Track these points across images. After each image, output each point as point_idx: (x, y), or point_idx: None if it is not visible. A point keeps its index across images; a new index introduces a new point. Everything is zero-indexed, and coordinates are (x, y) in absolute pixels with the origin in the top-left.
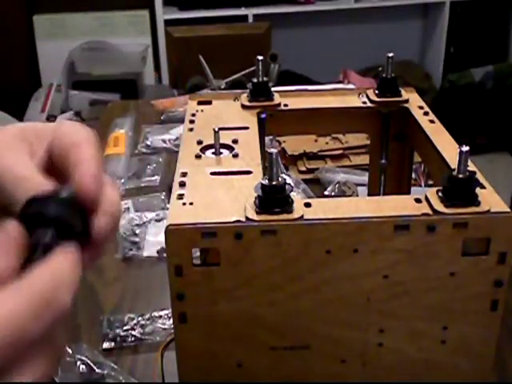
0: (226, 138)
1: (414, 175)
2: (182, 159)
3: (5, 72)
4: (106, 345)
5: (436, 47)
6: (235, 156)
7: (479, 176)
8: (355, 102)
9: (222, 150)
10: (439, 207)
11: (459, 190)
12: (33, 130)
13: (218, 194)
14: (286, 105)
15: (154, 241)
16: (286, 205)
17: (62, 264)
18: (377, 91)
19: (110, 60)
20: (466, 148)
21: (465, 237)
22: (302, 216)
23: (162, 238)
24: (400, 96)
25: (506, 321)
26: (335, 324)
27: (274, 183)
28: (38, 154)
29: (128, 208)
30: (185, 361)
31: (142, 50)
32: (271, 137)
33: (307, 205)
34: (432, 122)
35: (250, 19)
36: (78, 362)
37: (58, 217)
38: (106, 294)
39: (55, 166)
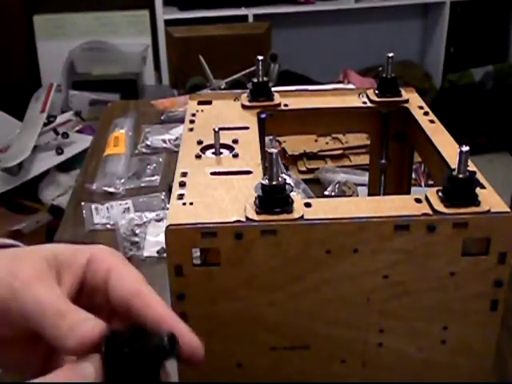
0: (226, 138)
1: (414, 175)
2: (182, 159)
3: (5, 72)
4: None
5: (436, 47)
6: (235, 156)
7: (479, 176)
8: (355, 102)
9: (222, 150)
10: (439, 207)
11: (459, 190)
12: (65, 255)
13: (218, 194)
14: (286, 105)
15: (153, 241)
16: (286, 205)
17: None
18: (377, 91)
19: (110, 60)
20: (466, 148)
21: (465, 237)
22: (302, 216)
23: (162, 238)
24: (400, 96)
25: (506, 321)
26: (335, 324)
27: (274, 183)
28: (69, 281)
29: (128, 208)
30: None
31: (142, 50)
32: (271, 137)
33: (307, 205)
34: (432, 122)
35: (250, 19)
36: None
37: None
38: None
39: (87, 290)
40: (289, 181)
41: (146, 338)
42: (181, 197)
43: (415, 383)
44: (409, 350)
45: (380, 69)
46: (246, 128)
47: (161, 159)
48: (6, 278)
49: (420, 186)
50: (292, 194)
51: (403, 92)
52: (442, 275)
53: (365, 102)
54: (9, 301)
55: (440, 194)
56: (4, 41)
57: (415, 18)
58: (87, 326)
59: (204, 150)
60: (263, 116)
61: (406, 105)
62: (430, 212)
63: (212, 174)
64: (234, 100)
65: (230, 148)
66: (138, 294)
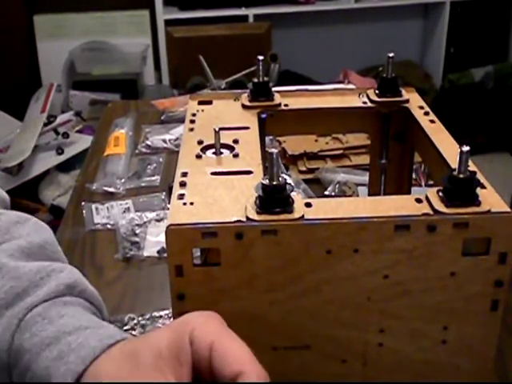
0: (226, 137)
1: (414, 175)
2: (183, 159)
3: (5, 72)
4: None
5: (436, 47)
6: (236, 156)
7: (479, 176)
8: (355, 101)
9: (222, 150)
10: (440, 207)
11: (460, 190)
12: (168, 355)
13: (218, 193)
14: (286, 105)
15: (154, 241)
16: (287, 205)
17: None
18: (377, 91)
19: (110, 60)
20: (466, 148)
21: (465, 237)
22: (303, 216)
23: (162, 237)
24: (400, 96)
25: (506, 321)
26: (335, 324)
27: (274, 183)
28: (187, 373)
29: (128, 208)
30: None
31: (142, 50)
32: (271, 137)
33: (308, 205)
34: (432, 121)
35: (251, 19)
36: None
37: None
38: (106, 294)
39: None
40: (289, 181)
41: None
42: (181, 197)
43: (415, 383)
44: (409, 350)
45: (380, 69)
46: (247, 128)
47: (161, 159)
48: None
49: (420, 186)
50: (292, 194)
51: (403, 92)
52: (443, 275)
53: (365, 102)
54: None
55: (440, 193)
56: (4, 41)
57: (415, 18)
58: None
59: (204, 149)
60: (263, 116)
61: (406, 105)
62: (430, 212)
63: (212, 173)
64: (235, 100)
65: (231, 148)
66: (241, 374)
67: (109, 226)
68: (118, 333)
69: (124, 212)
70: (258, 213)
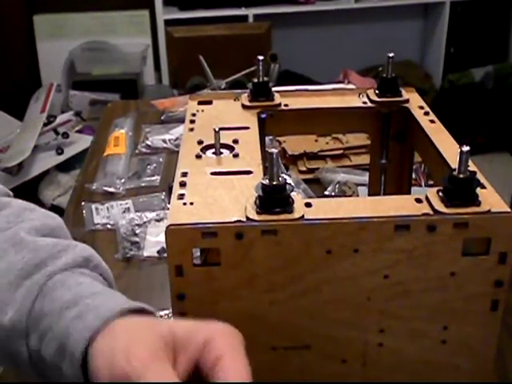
0: (226, 137)
1: (414, 175)
2: (183, 159)
3: (5, 72)
4: None
5: (436, 47)
6: (235, 156)
7: (479, 176)
8: (355, 101)
9: (222, 150)
10: (440, 207)
11: (460, 190)
12: (182, 334)
13: (218, 193)
14: (286, 105)
15: (154, 241)
16: (287, 205)
17: None
18: (377, 91)
19: (110, 60)
20: (466, 148)
21: (465, 237)
22: (303, 216)
23: (162, 237)
24: (400, 96)
25: (506, 321)
26: (335, 324)
27: (274, 183)
28: (184, 363)
29: (128, 208)
30: None
31: (142, 50)
32: (271, 137)
33: (308, 205)
34: (432, 121)
35: (251, 19)
36: None
37: None
38: None
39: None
40: (289, 181)
41: None
42: (181, 197)
43: (415, 383)
44: (409, 350)
45: (380, 69)
46: (247, 128)
47: (161, 159)
48: (121, 362)
49: (420, 186)
50: (292, 194)
51: (403, 92)
52: (443, 275)
53: (365, 102)
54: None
55: (440, 193)
56: (4, 41)
57: (415, 18)
58: None
59: (204, 149)
60: (263, 116)
61: (406, 105)
62: (430, 212)
63: (212, 173)
64: (234, 100)
65: (231, 148)
66: None
67: (109, 226)
68: (132, 302)
69: (124, 212)
70: (257, 213)
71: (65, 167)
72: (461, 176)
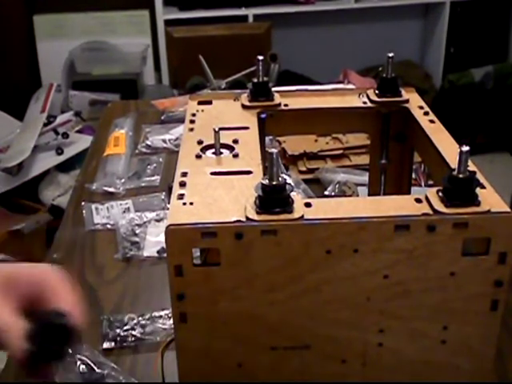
0: (226, 138)
1: (414, 175)
2: (183, 159)
3: (5, 72)
4: (106, 345)
5: (436, 47)
6: (235, 156)
7: (479, 176)
8: (355, 101)
9: (222, 150)
10: (439, 207)
11: (459, 190)
12: (15, 276)
13: (218, 193)
14: (286, 105)
15: (154, 241)
16: (287, 205)
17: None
18: (377, 91)
19: (110, 60)
20: (466, 148)
21: (465, 237)
22: (303, 216)
23: (162, 237)
24: (400, 96)
25: (506, 321)
26: (335, 324)
27: (274, 183)
28: (15, 297)
29: (128, 208)
30: (185, 361)
31: (142, 50)
32: (271, 137)
33: (307, 205)
34: (432, 121)
35: (250, 19)
36: (78, 362)
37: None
38: (106, 294)
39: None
40: (289, 181)
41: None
42: (181, 197)
43: (415, 383)
44: (409, 350)
45: (380, 69)
46: (246, 128)
47: (161, 159)
48: None
49: (420, 186)
50: (292, 194)
51: (403, 92)
52: (442, 275)
53: (365, 102)
54: None
55: (440, 193)
56: (4, 41)
57: (415, 18)
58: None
59: (204, 149)
60: (263, 116)
61: (406, 105)
62: (430, 212)
63: (212, 173)
64: (234, 100)
65: (230, 148)
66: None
67: (109, 226)
68: None
69: (124, 212)
70: (257, 213)
71: (65, 167)
72: (460, 176)
